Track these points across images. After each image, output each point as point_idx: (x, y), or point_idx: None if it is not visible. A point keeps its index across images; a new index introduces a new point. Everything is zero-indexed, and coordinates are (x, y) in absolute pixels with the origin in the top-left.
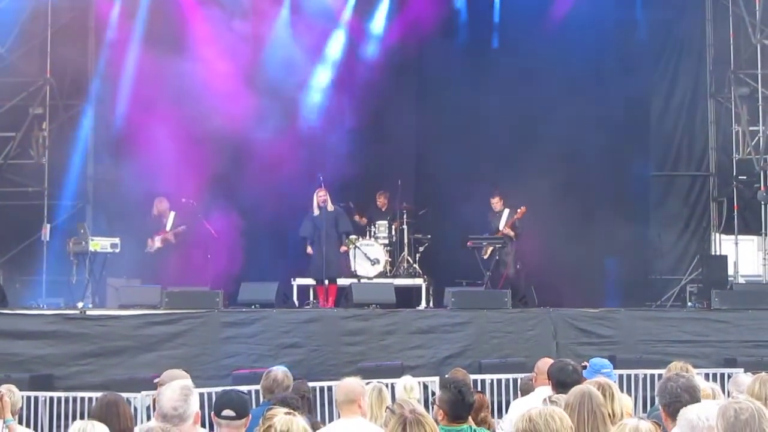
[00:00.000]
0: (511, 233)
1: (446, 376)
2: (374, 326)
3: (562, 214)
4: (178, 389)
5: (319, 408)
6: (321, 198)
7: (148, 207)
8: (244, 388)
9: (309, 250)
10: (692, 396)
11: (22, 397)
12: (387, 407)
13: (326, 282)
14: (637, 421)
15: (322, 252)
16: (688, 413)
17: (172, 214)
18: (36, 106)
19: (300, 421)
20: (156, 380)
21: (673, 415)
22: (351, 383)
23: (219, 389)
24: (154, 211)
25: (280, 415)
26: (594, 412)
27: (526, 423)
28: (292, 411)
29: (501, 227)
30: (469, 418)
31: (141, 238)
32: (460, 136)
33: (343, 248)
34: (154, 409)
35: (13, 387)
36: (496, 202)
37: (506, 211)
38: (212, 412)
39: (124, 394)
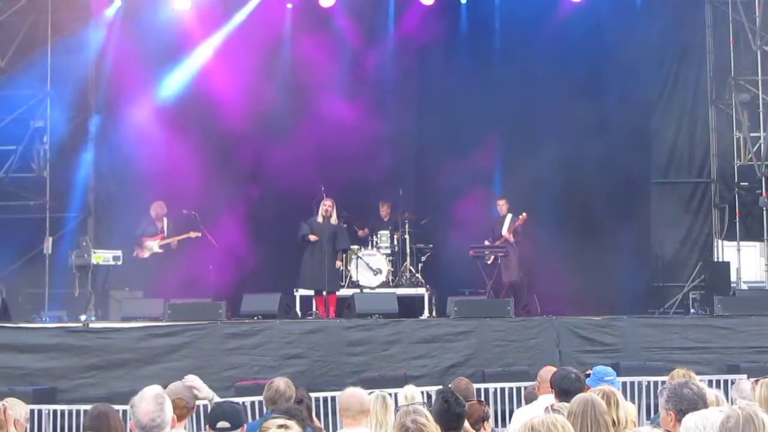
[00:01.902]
0: (512, 239)
1: (449, 385)
2: (377, 336)
3: (563, 222)
4: (152, 400)
5: (322, 419)
6: (326, 209)
7: (142, 220)
8: (246, 400)
9: (312, 237)
10: (704, 404)
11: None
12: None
13: (324, 293)
14: (650, 429)
15: (320, 263)
16: (688, 422)
17: (166, 220)
18: (37, 119)
19: None
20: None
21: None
22: (362, 394)
23: (216, 401)
24: (151, 213)
25: (273, 429)
26: (597, 420)
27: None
28: (285, 423)
29: (504, 233)
30: (467, 427)
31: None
32: (461, 144)
33: (338, 263)
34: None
35: (17, 400)
36: (502, 205)
37: (509, 217)
38: (207, 425)
39: (128, 407)
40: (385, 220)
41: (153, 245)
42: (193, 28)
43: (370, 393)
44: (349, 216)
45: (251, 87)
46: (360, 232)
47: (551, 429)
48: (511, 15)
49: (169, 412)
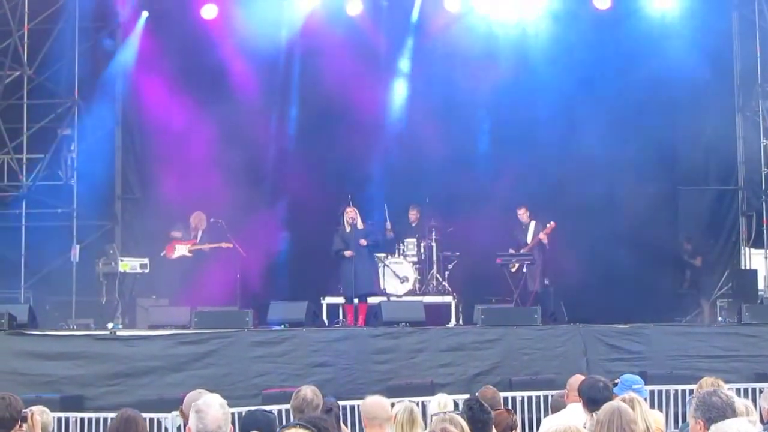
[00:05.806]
0: (546, 240)
1: (476, 393)
2: (404, 344)
3: (589, 230)
4: (219, 407)
5: (349, 427)
6: (350, 216)
7: (178, 222)
8: (273, 408)
9: (347, 253)
10: (733, 412)
11: (53, 418)
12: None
13: (356, 301)
14: None
15: (353, 269)
16: (724, 428)
17: (201, 231)
18: (64, 127)
19: None
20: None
21: None
22: (384, 401)
23: (249, 409)
24: (190, 221)
25: None
26: (624, 430)
27: None
28: None
29: (528, 240)
30: None
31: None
32: (488, 152)
33: (362, 241)
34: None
35: (45, 409)
36: (522, 213)
37: (533, 224)
38: None
39: (155, 415)
40: (413, 225)
41: (183, 248)
42: (220, 35)
43: (398, 401)
44: (374, 224)
45: (279, 96)
46: (387, 224)
47: None
48: (536, 24)
49: (229, 422)
